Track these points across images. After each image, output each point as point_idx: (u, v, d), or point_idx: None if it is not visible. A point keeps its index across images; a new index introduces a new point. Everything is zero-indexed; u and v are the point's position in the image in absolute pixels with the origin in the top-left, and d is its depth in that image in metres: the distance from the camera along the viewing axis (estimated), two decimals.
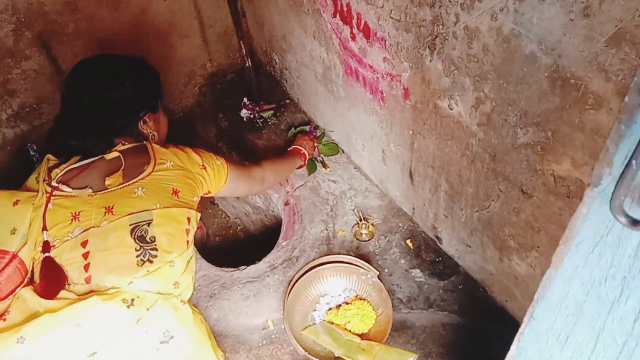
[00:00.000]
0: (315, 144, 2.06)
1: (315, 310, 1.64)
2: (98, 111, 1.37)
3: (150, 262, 1.22)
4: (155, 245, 1.23)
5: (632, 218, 0.41)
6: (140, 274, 1.21)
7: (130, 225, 1.23)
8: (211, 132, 2.31)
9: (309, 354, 1.50)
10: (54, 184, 1.30)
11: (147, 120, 1.48)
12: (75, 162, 1.36)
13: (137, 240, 1.23)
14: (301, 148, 1.96)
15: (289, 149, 1.98)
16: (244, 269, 1.79)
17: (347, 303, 1.63)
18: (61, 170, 1.33)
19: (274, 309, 1.67)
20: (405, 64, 1.38)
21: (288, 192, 2.01)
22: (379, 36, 1.42)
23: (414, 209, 1.81)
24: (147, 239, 1.24)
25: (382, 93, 1.57)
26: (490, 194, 1.34)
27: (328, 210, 1.92)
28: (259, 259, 1.83)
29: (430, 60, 1.27)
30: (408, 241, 1.79)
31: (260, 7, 2.15)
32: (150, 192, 1.29)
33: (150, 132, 1.50)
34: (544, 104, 1.02)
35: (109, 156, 1.37)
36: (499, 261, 1.46)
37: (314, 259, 1.73)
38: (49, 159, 1.40)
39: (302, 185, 2.01)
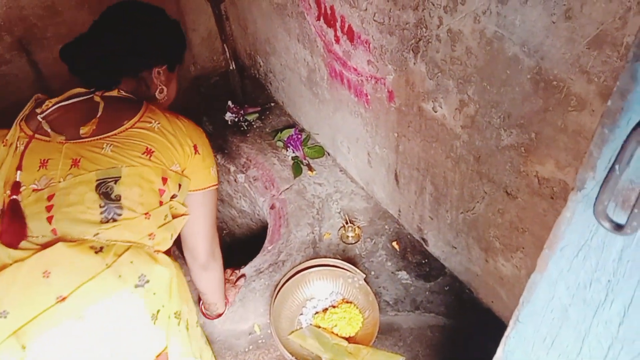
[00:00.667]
0: (239, 287, 1.77)
1: (302, 314, 1.63)
2: (120, 45, 1.31)
3: (115, 220, 1.16)
4: (120, 204, 1.17)
5: (616, 223, 0.41)
6: (104, 227, 1.15)
7: (96, 180, 1.17)
8: None
9: (296, 358, 1.49)
10: (39, 118, 1.23)
11: (161, 72, 1.40)
12: (65, 99, 1.29)
13: (101, 197, 1.16)
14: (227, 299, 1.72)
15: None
16: (229, 274, 1.77)
17: (333, 306, 1.62)
18: (51, 104, 1.26)
19: (260, 314, 1.66)
20: (389, 67, 1.38)
21: (274, 196, 2.00)
22: (363, 39, 1.42)
23: (399, 211, 1.81)
24: (112, 196, 1.16)
25: (366, 96, 1.57)
26: (475, 196, 1.34)
27: (314, 214, 1.92)
28: (245, 264, 1.82)
29: (414, 63, 1.27)
30: (394, 243, 1.79)
31: (244, 10, 2.14)
32: (119, 150, 1.21)
33: (160, 85, 1.41)
34: (527, 106, 1.03)
35: (98, 98, 1.29)
36: (485, 262, 1.47)
37: (300, 263, 1.72)
38: (37, 99, 1.33)
39: (287, 188, 2.00)
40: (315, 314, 1.62)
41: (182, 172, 1.28)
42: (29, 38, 1.85)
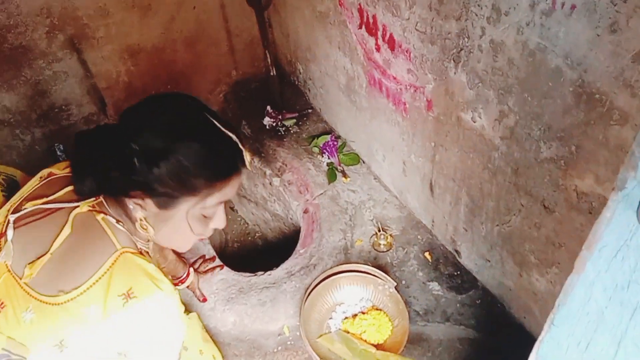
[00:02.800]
0: (203, 275, 1.77)
1: (331, 318, 1.64)
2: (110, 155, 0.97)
3: None
4: None
5: None
6: None
7: (2, 349, 0.93)
8: None
9: None
10: (10, 217, 1.01)
11: (141, 204, 1.00)
12: (48, 201, 1.04)
13: None
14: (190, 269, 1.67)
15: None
16: (261, 274, 1.80)
17: (363, 313, 1.63)
18: (31, 206, 1.03)
19: (290, 316, 1.67)
20: (429, 76, 1.39)
21: (307, 200, 2.03)
22: (404, 48, 1.43)
23: (433, 221, 1.80)
24: None
25: (404, 104, 1.58)
26: (512, 208, 1.33)
27: (347, 220, 1.93)
28: (277, 266, 1.84)
29: (455, 73, 1.28)
30: (426, 254, 1.79)
31: (287, 18, 2.18)
32: (35, 325, 0.93)
33: (141, 220, 1.02)
34: (568, 119, 1.02)
35: (70, 221, 1.00)
36: (518, 277, 1.45)
37: (331, 267, 1.74)
38: (48, 176, 1.11)
39: (321, 194, 2.03)
40: (344, 319, 1.63)
41: None
42: (79, 37, 1.94)
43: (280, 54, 2.48)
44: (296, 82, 2.48)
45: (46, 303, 0.93)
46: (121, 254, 0.98)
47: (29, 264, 0.96)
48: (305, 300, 1.62)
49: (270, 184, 2.20)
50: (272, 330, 1.66)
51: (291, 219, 2.24)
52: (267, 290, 1.74)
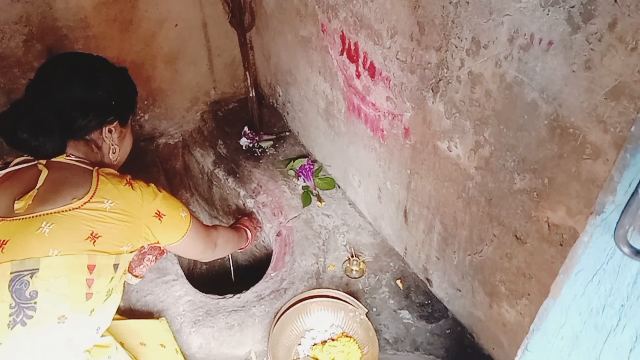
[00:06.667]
0: (258, 232, 1.95)
1: (300, 344, 1.61)
2: (62, 106, 1.16)
3: (23, 324, 0.99)
4: (35, 303, 0.99)
5: (635, 248, 0.42)
6: (14, 335, 0.98)
7: (10, 273, 0.99)
8: (209, 157, 2.32)
9: None
10: None
11: (113, 130, 1.27)
12: (3, 168, 1.15)
13: (13, 295, 0.98)
14: (248, 231, 1.82)
15: (236, 225, 1.86)
16: (230, 297, 1.77)
17: (332, 339, 1.60)
18: None
19: (258, 340, 1.64)
20: (407, 104, 1.41)
21: (281, 223, 2.01)
22: (384, 76, 1.45)
23: (406, 249, 1.80)
24: (27, 293, 0.99)
25: (382, 131, 1.59)
26: (484, 238, 1.35)
27: (320, 244, 1.92)
28: (247, 289, 1.81)
29: (433, 102, 1.30)
30: (398, 281, 1.78)
31: (269, 41, 2.19)
32: (58, 231, 1.04)
33: (112, 145, 1.28)
34: (542, 152, 1.04)
35: (42, 166, 1.14)
36: (489, 307, 1.46)
37: (302, 292, 1.71)
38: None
39: (295, 217, 2.01)
40: (313, 345, 1.60)
41: (131, 251, 1.18)
42: (58, 48, 1.91)
43: (260, 75, 2.49)
44: (275, 105, 2.48)
45: (63, 212, 1.06)
46: (97, 169, 1.18)
47: (16, 200, 1.06)
48: (275, 325, 1.59)
49: (244, 205, 2.18)
50: (238, 355, 1.62)
51: (263, 241, 2.21)
52: (236, 314, 1.70)
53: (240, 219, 1.94)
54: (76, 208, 1.07)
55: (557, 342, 0.53)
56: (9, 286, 0.98)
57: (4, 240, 1.01)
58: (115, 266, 1.13)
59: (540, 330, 0.53)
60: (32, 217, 1.04)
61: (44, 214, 1.05)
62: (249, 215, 2.06)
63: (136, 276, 1.46)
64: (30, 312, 0.99)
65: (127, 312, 1.68)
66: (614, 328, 0.48)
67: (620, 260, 0.45)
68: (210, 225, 1.58)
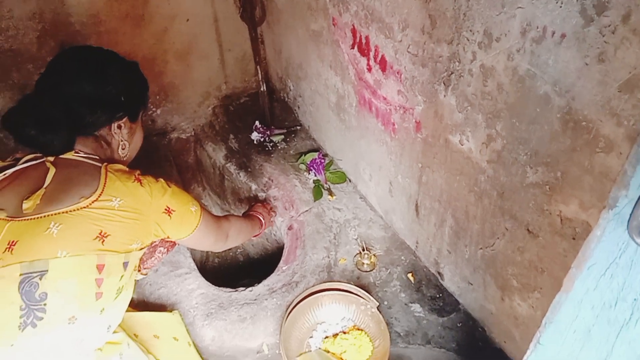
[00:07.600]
0: (272, 218, 1.96)
1: (311, 337, 1.63)
2: (70, 102, 1.15)
3: (34, 326, 0.99)
4: (44, 304, 0.99)
5: None
6: (24, 336, 0.99)
7: (20, 275, 0.98)
8: (221, 152, 2.33)
9: None
10: None
11: (122, 125, 1.26)
12: (12, 165, 1.15)
13: (23, 297, 0.98)
14: (260, 217, 1.82)
15: (248, 213, 1.86)
16: (242, 290, 1.78)
17: (344, 332, 1.61)
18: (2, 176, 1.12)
19: (270, 333, 1.65)
20: (419, 98, 1.40)
21: (292, 217, 2.02)
22: (395, 69, 1.45)
23: (417, 242, 1.81)
24: (36, 295, 0.99)
25: (393, 125, 1.59)
26: (496, 232, 1.34)
27: (331, 238, 1.92)
28: (259, 282, 1.82)
29: (444, 96, 1.30)
30: (409, 275, 1.79)
31: (280, 35, 2.20)
32: (66, 231, 1.03)
33: (122, 141, 1.28)
34: (555, 145, 1.03)
35: (49, 164, 1.14)
36: (500, 301, 1.45)
37: (313, 285, 1.72)
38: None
39: (306, 211, 2.02)
40: (325, 338, 1.61)
41: (141, 248, 1.18)
42: (71, 43, 1.92)
43: (271, 70, 2.49)
44: (286, 99, 2.48)
45: (71, 211, 1.05)
46: (106, 165, 1.16)
47: (24, 199, 1.06)
48: (286, 317, 1.60)
49: (255, 199, 2.19)
50: (251, 347, 1.64)
51: (274, 235, 2.22)
52: (248, 307, 1.71)
53: (253, 205, 1.94)
54: (84, 207, 1.06)
55: (570, 336, 0.53)
56: (18, 288, 0.98)
57: (13, 241, 1.01)
58: (125, 264, 1.12)
59: (552, 323, 0.53)
60: (41, 217, 1.04)
61: (52, 214, 1.04)
62: (262, 201, 2.07)
63: (140, 272, 1.46)
64: (40, 313, 0.99)
65: (141, 305, 1.70)
66: (627, 322, 0.48)
67: (633, 254, 0.45)
68: (222, 215, 1.58)
